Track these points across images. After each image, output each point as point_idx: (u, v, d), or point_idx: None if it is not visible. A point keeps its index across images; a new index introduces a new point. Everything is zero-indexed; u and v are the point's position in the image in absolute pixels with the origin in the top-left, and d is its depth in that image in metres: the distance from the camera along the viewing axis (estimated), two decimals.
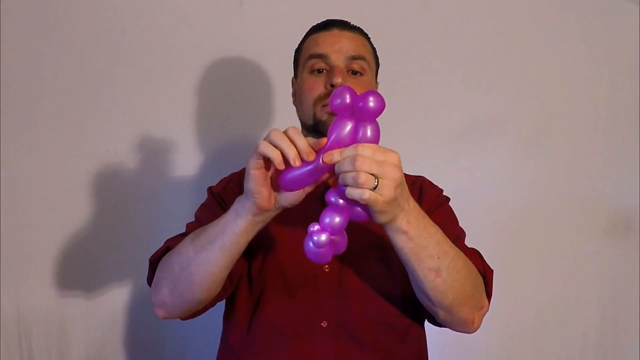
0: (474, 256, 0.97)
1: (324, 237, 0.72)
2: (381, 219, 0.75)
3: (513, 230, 1.68)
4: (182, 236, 0.93)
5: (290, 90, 1.09)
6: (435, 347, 1.69)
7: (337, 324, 0.94)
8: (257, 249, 0.96)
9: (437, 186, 1.10)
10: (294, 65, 1.08)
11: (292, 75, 1.09)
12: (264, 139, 0.73)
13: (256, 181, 0.75)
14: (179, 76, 1.45)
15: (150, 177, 1.43)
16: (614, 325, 1.84)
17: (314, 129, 0.98)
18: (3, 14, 1.30)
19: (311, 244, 0.72)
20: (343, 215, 0.73)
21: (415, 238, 0.80)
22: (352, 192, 0.70)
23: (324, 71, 0.98)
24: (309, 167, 0.73)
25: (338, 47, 0.98)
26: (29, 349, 1.31)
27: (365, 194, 0.69)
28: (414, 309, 1.00)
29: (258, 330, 0.94)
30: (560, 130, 1.78)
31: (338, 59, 0.98)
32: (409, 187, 1.01)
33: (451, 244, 0.85)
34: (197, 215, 1.02)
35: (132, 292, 1.43)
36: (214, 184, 1.07)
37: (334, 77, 0.95)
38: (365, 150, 0.70)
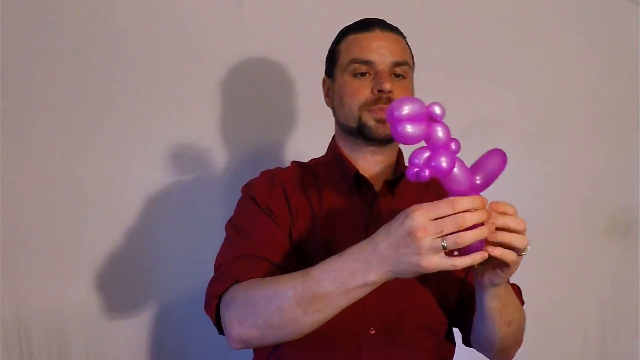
0: (519, 294, 1.04)
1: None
2: (500, 282, 0.80)
3: None
4: (241, 260, 0.90)
5: (321, 89, 1.09)
6: None
7: (386, 331, 0.93)
8: (307, 256, 0.94)
9: None
10: (328, 64, 1.07)
11: (324, 74, 1.08)
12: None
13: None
14: (178, 76, 1.44)
15: (151, 177, 1.43)
16: (614, 325, 1.84)
17: (358, 132, 0.98)
18: (3, 14, 1.30)
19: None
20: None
21: (504, 297, 0.86)
22: (507, 256, 0.73)
23: (367, 74, 0.98)
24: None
25: (383, 53, 0.98)
26: (29, 349, 1.31)
27: (515, 256, 0.74)
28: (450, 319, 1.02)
29: (309, 337, 0.89)
30: (560, 130, 1.78)
31: (383, 64, 0.98)
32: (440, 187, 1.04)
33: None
34: (243, 226, 0.96)
35: (133, 292, 1.43)
36: (245, 187, 1.02)
37: (382, 82, 0.95)
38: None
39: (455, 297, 1.01)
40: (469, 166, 0.73)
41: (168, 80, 1.44)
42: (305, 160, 1.10)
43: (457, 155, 0.70)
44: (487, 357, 1.02)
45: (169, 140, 1.44)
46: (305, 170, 1.04)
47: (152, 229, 1.41)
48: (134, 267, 1.41)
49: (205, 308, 0.90)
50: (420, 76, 1.68)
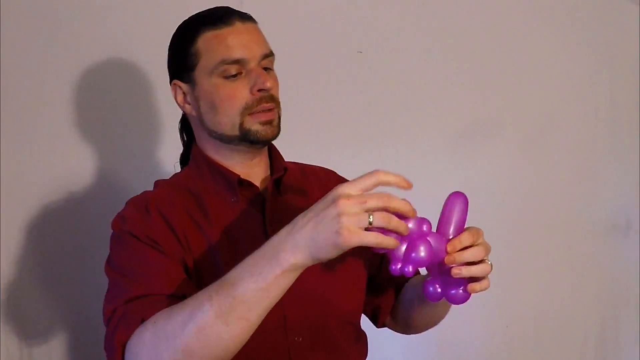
0: None
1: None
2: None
3: (512, 231, 1.68)
4: (137, 301, 0.79)
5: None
6: (435, 347, 1.69)
7: (313, 335, 0.89)
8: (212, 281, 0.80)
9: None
10: (179, 66, 0.94)
11: (175, 78, 0.96)
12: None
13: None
14: None
15: (151, 177, 1.43)
16: (614, 325, 1.84)
17: (241, 138, 0.90)
18: (3, 14, 1.30)
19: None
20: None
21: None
22: (482, 286, 0.73)
23: (238, 74, 0.89)
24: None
25: (252, 48, 0.90)
26: (29, 349, 1.31)
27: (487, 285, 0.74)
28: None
29: None
30: (559, 131, 1.78)
31: (254, 60, 0.90)
32: (320, 179, 1.04)
33: None
34: (127, 267, 0.84)
35: None
36: (117, 222, 0.90)
37: (263, 81, 0.88)
38: (480, 234, 0.73)
39: (367, 282, 1.00)
40: (434, 222, 0.73)
41: (168, 80, 1.44)
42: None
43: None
44: (403, 333, 1.08)
45: (174, 141, 1.44)
46: (176, 188, 0.95)
47: None
48: None
49: None
50: (419, 76, 1.69)
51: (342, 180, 1.04)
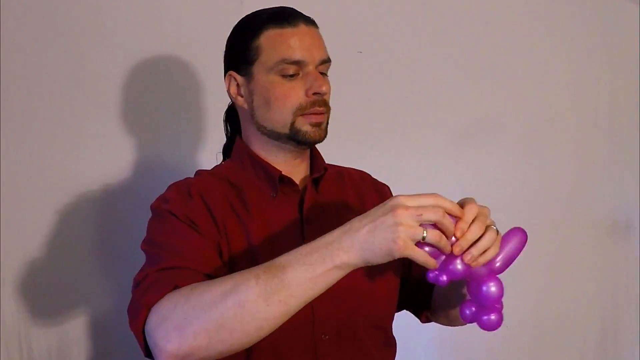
0: None
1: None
2: None
3: None
4: (171, 270, 0.80)
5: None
6: (435, 347, 1.69)
7: (339, 334, 0.91)
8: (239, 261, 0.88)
9: (382, 182, 1.10)
10: (238, 58, 0.95)
11: (231, 69, 0.96)
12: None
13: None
14: (179, 76, 1.45)
15: (151, 177, 1.43)
16: (614, 325, 1.84)
17: (290, 137, 0.92)
18: (3, 14, 1.30)
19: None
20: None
21: None
22: (486, 256, 0.72)
23: (295, 75, 0.91)
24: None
25: (312, 52, 0.91)
26: (29, 349, 1.31)
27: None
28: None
29: (260, 352, 0.86)
30: (560, 130, 1.78)
31: (313, 63, 0.91)
32: (355, 181, 1.05)
33: None
34: (164, 242, 0.86)
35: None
36: (158, 203, 0.92)
37: (319, 85, 0.90)
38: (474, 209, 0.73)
39: (402, 283, 1.02)
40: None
41: (168, 80, 1.44)
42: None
43: None
44: (451, 325, 1.05)
45: (170, 142, 1.44)
46: (217, 179, 0.96)
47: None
48: (137, 269, 1.40)
49: (130, 323, 0.78)
50: (420, 76, 1.69)
51: (376, 182, 1.09)
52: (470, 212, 0.71)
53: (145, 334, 0.76)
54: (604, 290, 1.83)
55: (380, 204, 0.70)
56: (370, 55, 1.60)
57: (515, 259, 0.74)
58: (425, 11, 1.66)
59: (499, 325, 0.74)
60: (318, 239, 0.72)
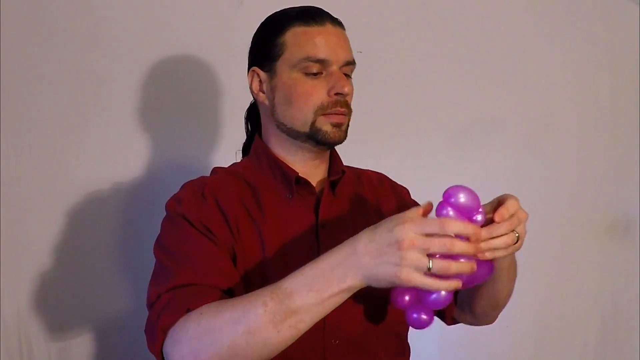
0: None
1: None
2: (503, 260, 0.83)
3: None
4: (185, 289, 0.80)
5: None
6: (435, 348, 1.69)
7: (349, 340, 0.90)
8: (259, 274, 0.87)
9: (401, 185, 1.10)
10: (262, 54, 0.95)
11: (254, 65, 0.96)
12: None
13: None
14: (179, 76, 1.45)
15: (151, 177, 1.43)
16: (614, 325, 1.84)
17: (309, 136, 0.91)
18: (3, 14, 1.30)
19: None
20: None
21: (507, 266, 0.91)
22: (498, 254, 0.77)
23: (319, 74, 0.90)
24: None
25: (337, 51, 0.90)
26: (29, 349, 1.31)
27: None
28: None
29: None
30: (560, 130, 1.78)
31: (337, 63, 0.91)
32: (373, 184, 1.04)
33: None
34: (178, 252, 0.85)
35: (134, 293, 1.43)
36: (172, 203, 0.91)
37: (342, 85, 0.89)
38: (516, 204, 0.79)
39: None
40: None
41: (168, 79, 1.44)
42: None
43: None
44: (477, 324, 1.06)
45: (171, 141, 1.44)
46: (233, 177, 0.95)
47: (154, 226, 1.41)
48: (137, 269, 1.41)
49: (149, 347, 0.80)
50: (420, 76, 1.69)
51: (394, 185, 1.07)
52: (499, 228, 0.78)
53: (164, 355, 0.78)
54: (604, 290, 1.83)
55: (389, 223, 0.69)
56: (371, 55, 1.60)
57: (474, 284, 0.77)
58: (425, 11, 1.66)
59: (430, 323, 0.78)
60: (323, 258, 0.72)
